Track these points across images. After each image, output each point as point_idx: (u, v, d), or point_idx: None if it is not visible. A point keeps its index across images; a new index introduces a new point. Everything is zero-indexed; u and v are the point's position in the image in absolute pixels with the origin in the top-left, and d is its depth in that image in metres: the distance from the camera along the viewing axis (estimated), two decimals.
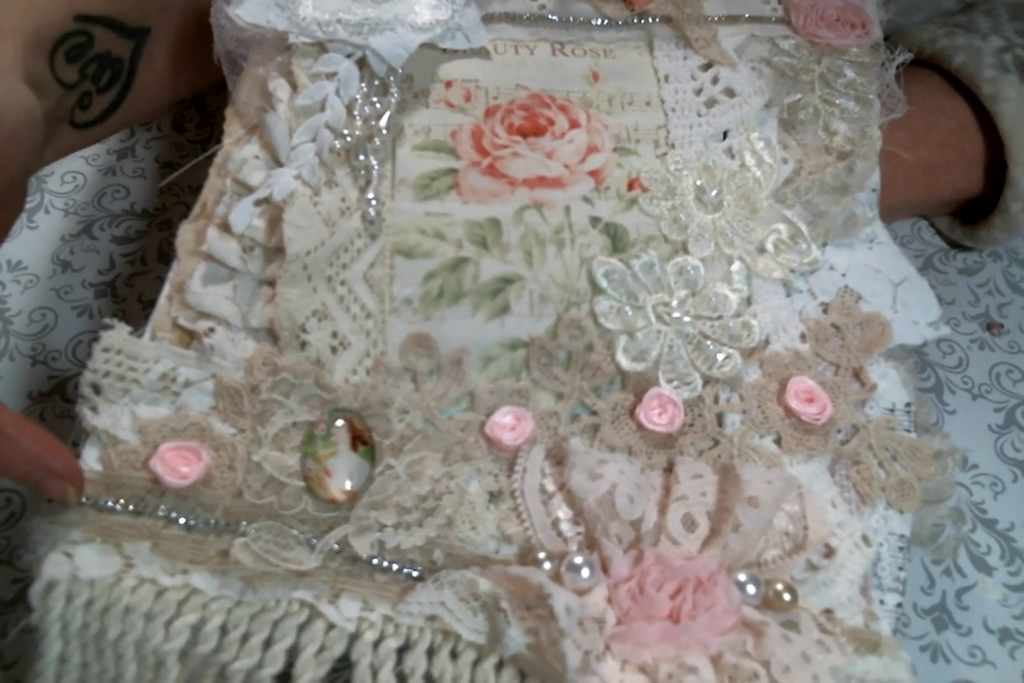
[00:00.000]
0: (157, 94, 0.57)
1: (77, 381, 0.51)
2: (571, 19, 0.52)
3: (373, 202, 0.44)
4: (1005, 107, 0.56)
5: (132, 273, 0.58)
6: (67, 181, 0.63)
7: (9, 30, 0.46)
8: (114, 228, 0.61)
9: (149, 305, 0.55)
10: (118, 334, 0.40)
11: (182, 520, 0.38)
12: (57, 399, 0.52)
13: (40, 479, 0.36)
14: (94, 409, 0.39)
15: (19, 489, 0.50)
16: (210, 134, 0.66)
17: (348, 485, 0.39)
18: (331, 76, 0.47)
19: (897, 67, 0.52)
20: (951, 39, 0.59)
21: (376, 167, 0.45)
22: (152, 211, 0.62)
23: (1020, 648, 0.47)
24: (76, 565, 0.36)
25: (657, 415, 0.42)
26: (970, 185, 0.60)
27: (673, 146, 0.49)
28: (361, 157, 0.45)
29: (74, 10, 0.49)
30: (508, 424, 0.41)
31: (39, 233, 0.60)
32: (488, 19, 0.52)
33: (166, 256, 0.59)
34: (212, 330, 0.41)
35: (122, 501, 0.38)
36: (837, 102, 0.52)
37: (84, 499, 0.38)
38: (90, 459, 0.39)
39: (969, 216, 0.62)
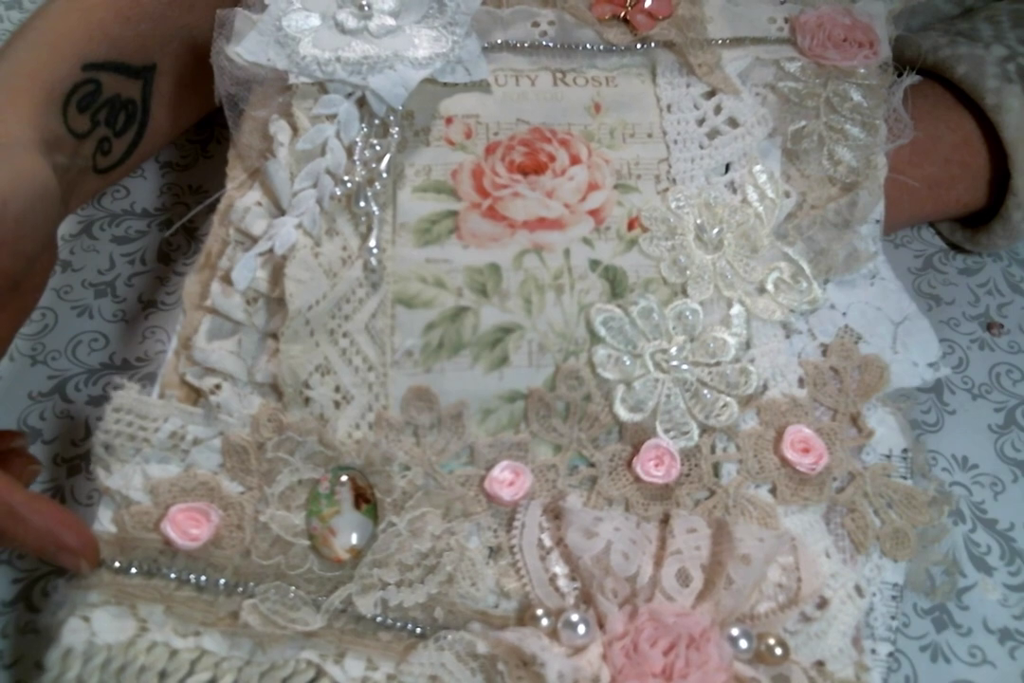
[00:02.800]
0: (170, 126, 0.57)
1: (76, 381, 0.53)
2: (573, 46, 0.52)
3: (375, 251, 0.45)
4: (1008, 118, 0.56)
5: (132, 273, 0.59)
6: None
7: (23, 91, 0.46)
8: (114, 228, 0.61)
9: (149, 305, 0.57)
10: (128, 394, 0.41)
11: (193, 581, 0.39)
12: (57, 399, 0.52)
13: (54, 554, 0.38)
14: (107, 469, 0.41)
15: None
16: (210, 134, 0.66)
17: (352, 544, 0.40)
18: (331, 118, 0.47)
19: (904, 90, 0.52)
20: (954, 48, 0.58)
21: (377, 213, 0.46)
22: (152, 211, 0.62)
23: (1020, 648, 0.47)
24: (93, 630, 0.37)
25: (654, 467, 0.43)
26: (974, 199, 0.60)
27: (675, 181, 0.49)
28: (362, 204, 0.46)
29: (81, 60, 0.49)
30: (507, 479, 0.42)
31: None
32: (489, 48, 0.51)
33: (166, 256, 0.59)
34: (218, 387, 0.42)
35: (136, 562, 0.39)
36: (842, 128, 0.51)
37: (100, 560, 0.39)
38: (104, 520, 0.40)
39: (970, 220, 0.62)
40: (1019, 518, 0.52)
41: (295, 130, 0.47)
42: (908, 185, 0.54)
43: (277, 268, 0.44)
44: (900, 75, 0.55)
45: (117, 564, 0.39)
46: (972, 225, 0.62)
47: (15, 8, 0.72)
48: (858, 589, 0.42)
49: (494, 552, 0.42)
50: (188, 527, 0.39)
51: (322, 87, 0.48)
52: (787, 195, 0.49)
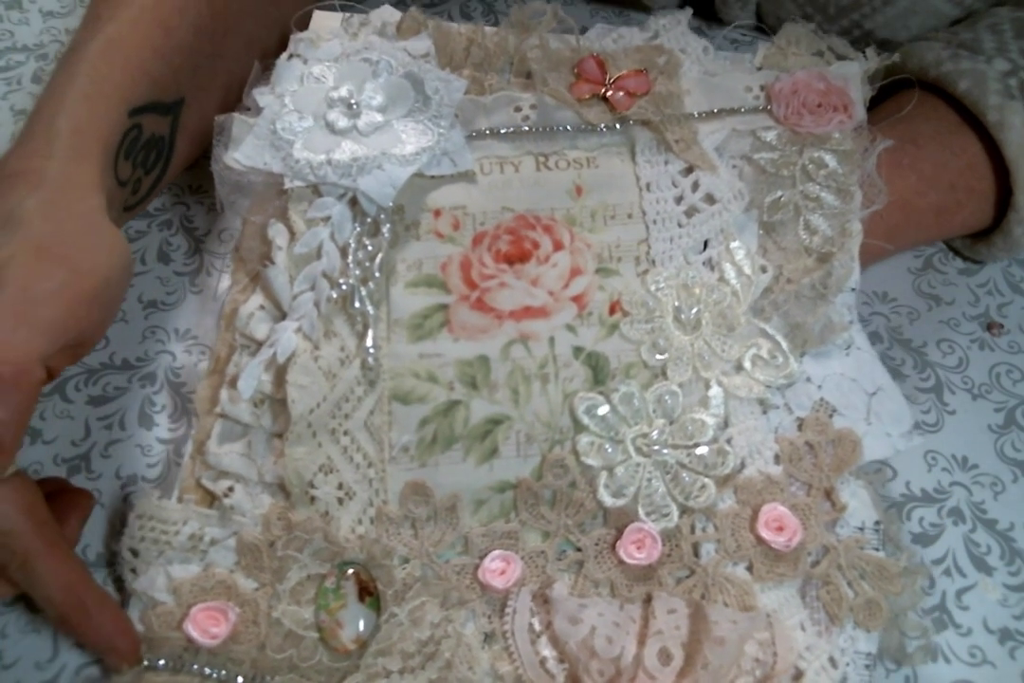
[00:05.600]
0: (185, 158, 0.57)
1: (76, 381, 0.53)
2: (554, 128, 0.54)
3: (372, 350, 0.48)
4: (1011, 135, 0.55)
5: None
6: None
7: (89, 155, 0.46)
8: None
9: (149, 305, 0.57)
10: (149, 501, 0.45)
11: (216, 676, 0.43)
12: (57, 399, 0.53)
13: (104, 652, 0.43)
14: (134, 571, 0.45)
15: None
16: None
17: (357, 635, 0.44)
18: (325, 220, 0.50)
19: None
20: (956, 63, 0.57)
21: (372, 312, 0.49)
22: (152, 211, 0.61)
23: (1020, 648, 0.48)
24: None
25: (636, 550, 0.45)
26: (979, 221, 0.60)
27: (654, 262, 0.51)
28: (357, 305, 0.49)
29: (127, 106, 0.49)
30: (498, 569, 0.46)
31: None
32: (473, 136, 0.54)
33: (166, 256, 0.59)
34: (231, 489, 0.46)
35: (163, 660, 0.43)
36: (817, 196, 0.52)
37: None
38: (133, 619, 0.44)
39: None
40: (1019, 518, 0.52)
41: (292, 233, 0.50)
42: (913, 213, 0.55)
43: (280, 371, 0.47)
44: (904, 85, 0.56)
45: (147, 662, 0.43)
46: (972, 235, 0.62)
47: (15, 8, 0.72)
48: (832, 661, 0.44)
49: (489, 637, 0.45)
50: (208, 626, 0.43)
51: (316, 189, 0.51)
52: (763, 270, 0.51)
